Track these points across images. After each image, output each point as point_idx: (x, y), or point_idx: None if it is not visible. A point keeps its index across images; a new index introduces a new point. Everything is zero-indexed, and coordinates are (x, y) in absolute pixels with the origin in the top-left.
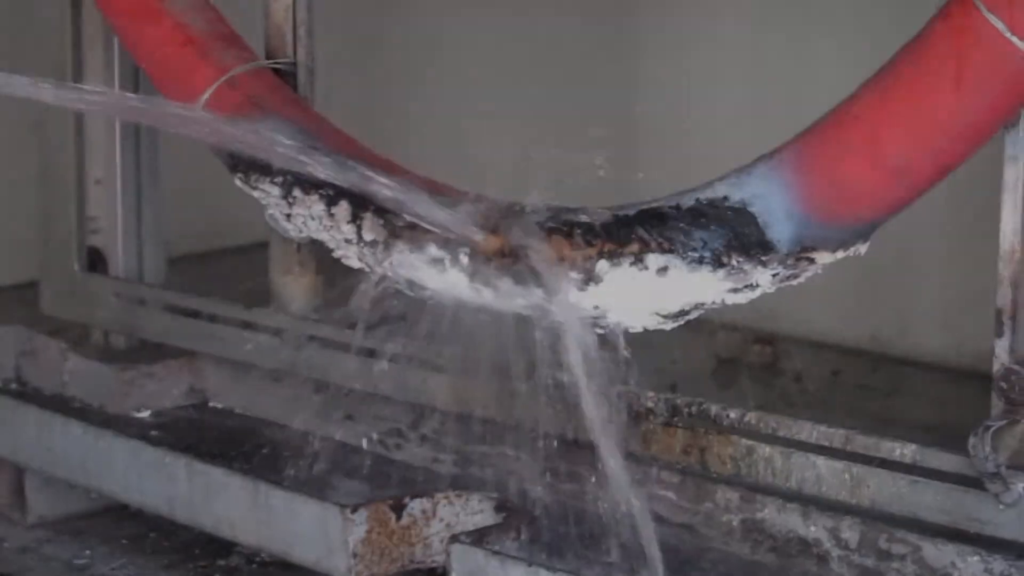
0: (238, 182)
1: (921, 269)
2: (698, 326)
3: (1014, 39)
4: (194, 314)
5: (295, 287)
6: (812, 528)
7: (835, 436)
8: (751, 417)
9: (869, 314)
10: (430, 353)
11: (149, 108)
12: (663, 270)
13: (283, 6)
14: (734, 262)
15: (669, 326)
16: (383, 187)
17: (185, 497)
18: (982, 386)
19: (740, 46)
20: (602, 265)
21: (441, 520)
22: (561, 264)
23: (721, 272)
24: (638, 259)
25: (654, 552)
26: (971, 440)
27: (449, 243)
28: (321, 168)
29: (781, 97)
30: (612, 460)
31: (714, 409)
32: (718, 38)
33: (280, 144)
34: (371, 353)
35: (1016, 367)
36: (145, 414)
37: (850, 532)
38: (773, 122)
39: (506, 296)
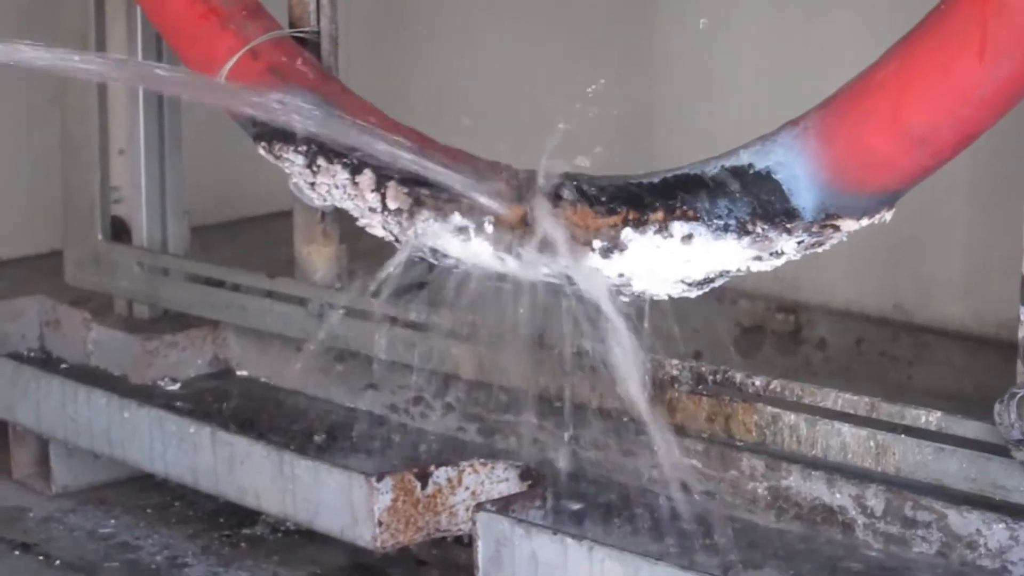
0: (262, 151)
1: (943, 238)
2: (721, 294)
3: None
4: (218, 284)
5: (319, 256)
6: (837, 496)
7: (860, 404)
8: (776, 385)
9: (892, 283)
10: (455, 322)
11: (175, 77)
12: (688, 238)
13: None
14: (759, 230)
15: (694, 294)
16: (406, 158)
17: (209, 466)
18: (1004, 354)
19: (759, 20)
20: (627, 233)
21: (466, 488)
22: (586, 232)
23: (746, 240)
24: (663, 227)
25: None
26: (996, 407)
27: (473, 211)
28: (345, 138)
29: (800, 70)
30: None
31: (739, 377)
32: (737, 12)
33: (311, 116)
34: (394, 321)
35: None
36: (169, 384)
37: (875, 500)
38: (793, 95)
39: (530, 265)
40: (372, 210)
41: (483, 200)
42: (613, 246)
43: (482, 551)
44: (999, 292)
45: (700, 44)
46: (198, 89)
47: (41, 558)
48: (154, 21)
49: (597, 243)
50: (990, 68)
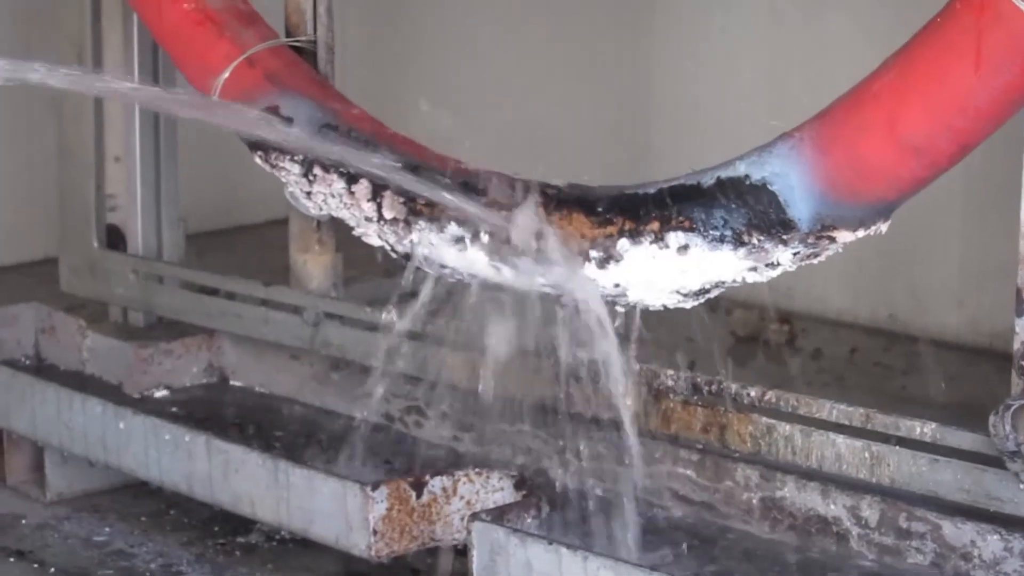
0: (258, 160)
1: (937, 248)
2: (715, 304)
3: None
4: (212, 292)
5: (314, 265)
6: (832, 506)
7: (855, 415)
8: (771, 395)
9: (886, 293)
10: (449, 330)
11: (166, 97)
12: (684, 248)
13: None
14: (755, 240)
15: (689, 304)
16: (395, 173)
17: (204, 474)
18: (998, 364)
19: (756, 30)
20: (623, 243)
21: (461, 498)
22: (581, 242)
23: (742, 250)
24: (658, 237)
25: None
26: (991, 419)
27: (469, 221)
28: (335, 154)
29: (797, 77)
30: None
31: (734, 387)
32: (734, 22)
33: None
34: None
35: None
36: (164, 391)
37: (870, 510)
38: (789, 104)
39: (526, 274)
40: (368, 219)
41: (480, 214)
42: (609, 256)
43: (477, 560)
44: (993, 302)
45: (697, 54)
46: (192, 107)
47: (36, 565)
48: (151, 29)
49: (593, 253)
50: (986, 79)
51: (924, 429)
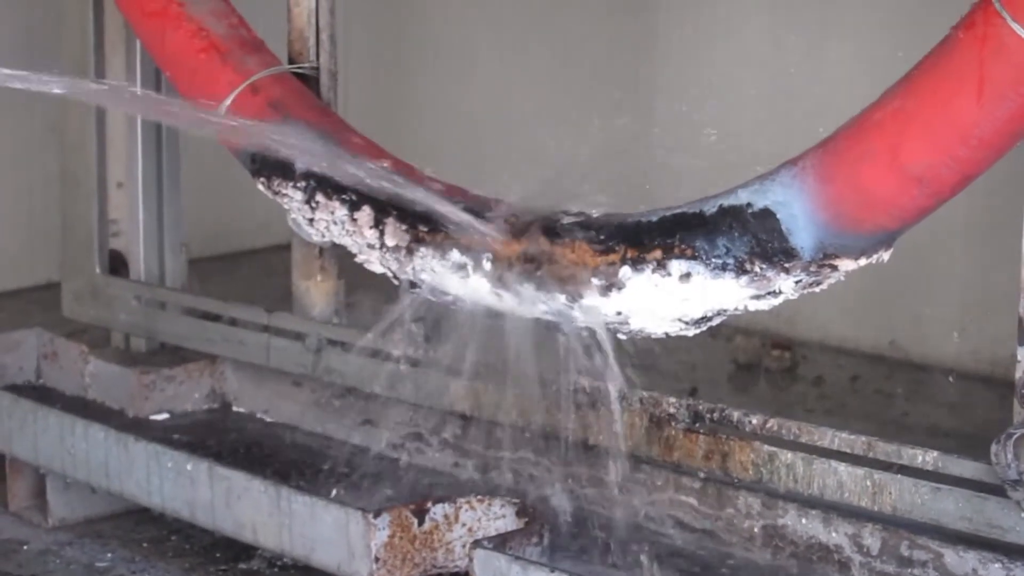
0: (260, 187)
1: (939, 276)
2: (717, 331)
3: None
4: (215, 318)
5: (317, 292)
6: (833, 534)
7: (856, 443)
8: (773, 423)
9: (887, 320)
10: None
11: (180, 111)
12: (686, 276)
13: (305, 11)
14: (757, 269)
15: (692, 332)
16: (407, 190)
17: (207, 501)
18: (999, 391)
19: (758, 57)
20: (625, 271)
21: (463, 525)
22: (584, 270)
23: (744, 279)
24: (661, 265)
25: None
26: (993, 447)
27: (472, 248)
28: (343, 170)
29: (799, 105)
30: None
31: (736, 415)
32: (737, 48)
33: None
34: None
35: None
36: (166, 417)
37: (871, 538)
38: (791, 130)
39: (528, 302)
40: (370, 246)
41: (482, 235)
42: (611, 284)
43: None
44: (994, 330)
45: (699, 80)
46: (202, 122)
47: None
48: (154, 54)
49: (595, 281)
50: (988, 109)
51: (926, 457)
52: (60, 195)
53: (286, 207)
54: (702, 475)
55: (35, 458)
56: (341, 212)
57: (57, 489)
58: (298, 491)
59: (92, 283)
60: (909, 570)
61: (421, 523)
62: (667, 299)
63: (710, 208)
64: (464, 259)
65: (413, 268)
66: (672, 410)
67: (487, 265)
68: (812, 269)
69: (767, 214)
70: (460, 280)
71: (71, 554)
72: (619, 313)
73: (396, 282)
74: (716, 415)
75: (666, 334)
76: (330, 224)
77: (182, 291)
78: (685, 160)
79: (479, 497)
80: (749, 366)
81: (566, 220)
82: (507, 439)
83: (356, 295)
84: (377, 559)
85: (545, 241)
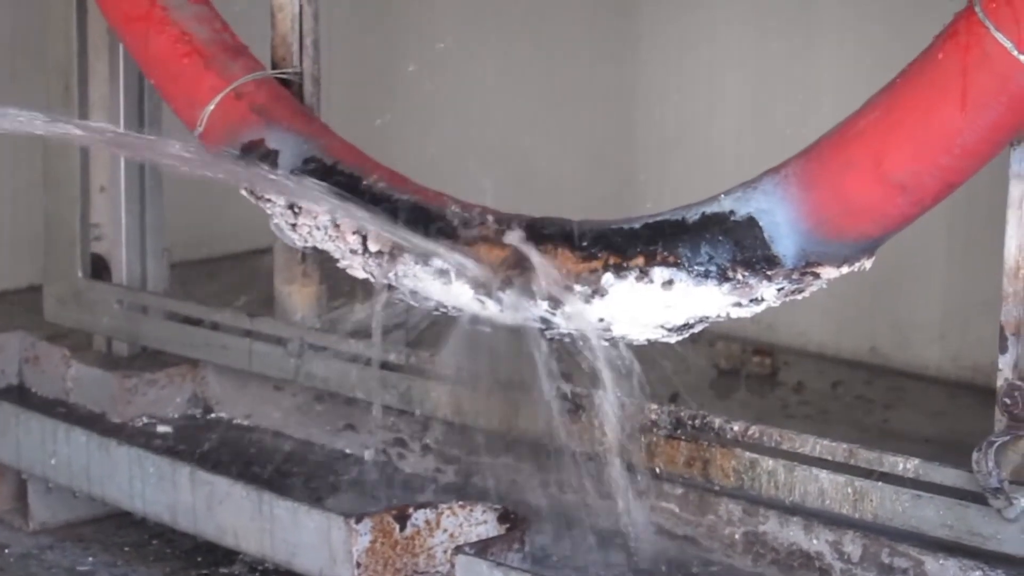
0: (244, 192)
1: (920, 282)
2: (698, 337)
3: (1021, 57)
4: (197, 322)
5: (299, 297)
6: (814, 541)
7: (838, 450)
8: (754, 430)
9: (868, 326)
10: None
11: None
12: (668, 283)
13: (289, 16)
14: (739, 276)
15: (674, 339)
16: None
17: (188, 505)
18: (980, 398)
19: (741, 63)
20: (607, 278)
21: (445, 531)
22: (566, 276)
23: (726, 286)
24: (643, 272)
25: None
26: (974, 455)
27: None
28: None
29: (783, 111)
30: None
31: (717, 422)
32: (720, 51)
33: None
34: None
35: (1020, 383)
36: (148, 422)
37: (852, 546)
38: (775, 136)
39: (510, 308)
40: (353, 252)
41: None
42: (594, 291)
43: None
44: (975, 336)
45: (683, 86)
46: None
47: None
48: (138, 59)
49: (578, 288)
50: (971, 117)
51: (907, 465)
52: (43, 199)
53: (269, 212)
54: (683, 481)
55: (17, 462)
56: (324, 218)
57: (39, 493)
58: (280, 496)
59: (74, 287)
60: None
61: (403, 529)
62: (650, 306)
63: (693, 215)
64: (446, 265)
65: (395, 274)
66: (654, 416)
67: (469, 271)
68: (794, 277)
69: (750, 222)
70: (442, 286)
71: (52, 558)
72: (601, 320)
73: (378, 287)
74: (698, 422)
75: (648, 341)
76: (313, 229)
77: (164, 295)
78: (667, 166)
79: (461, 503)
80: (730, 372)
81: (549, 226)
82: (488, 444)
83: (339, 300)
84: (359, 564)
85: (528, 247)
